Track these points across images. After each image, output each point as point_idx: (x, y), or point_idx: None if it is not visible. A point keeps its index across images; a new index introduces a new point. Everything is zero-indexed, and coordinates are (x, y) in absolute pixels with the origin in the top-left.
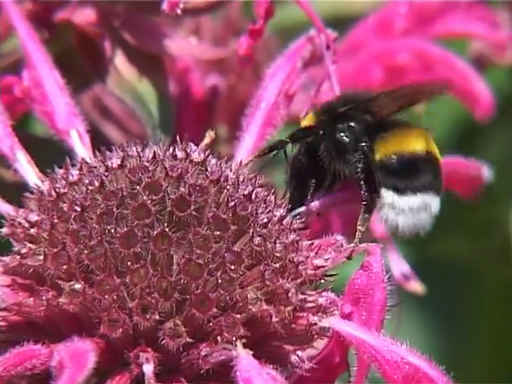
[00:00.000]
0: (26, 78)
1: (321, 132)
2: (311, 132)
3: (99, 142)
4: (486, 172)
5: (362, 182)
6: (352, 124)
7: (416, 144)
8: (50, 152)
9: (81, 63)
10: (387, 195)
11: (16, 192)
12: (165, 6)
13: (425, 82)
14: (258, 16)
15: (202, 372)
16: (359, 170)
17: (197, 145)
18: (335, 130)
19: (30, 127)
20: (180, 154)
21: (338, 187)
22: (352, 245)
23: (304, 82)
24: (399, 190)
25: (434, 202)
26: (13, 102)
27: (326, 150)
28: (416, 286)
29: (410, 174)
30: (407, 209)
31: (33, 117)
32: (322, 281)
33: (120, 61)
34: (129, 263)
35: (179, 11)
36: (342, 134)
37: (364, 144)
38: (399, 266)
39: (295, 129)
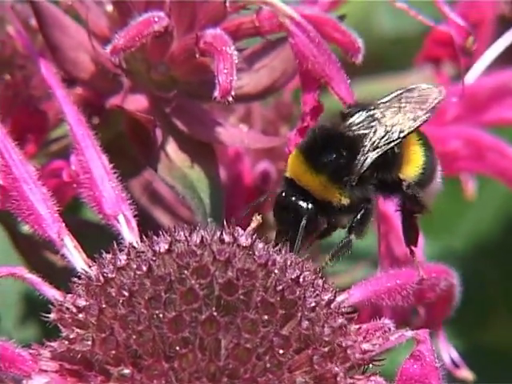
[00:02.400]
0: (74, 162)
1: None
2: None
3: (148, 228)
4: None
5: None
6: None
7: None
8: (97, 236)
9: (131, 149)
10: None
11: (64, 277)
12: (216, 94)
13: None
14: (304, 113)
15: None
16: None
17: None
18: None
19: (79, 212)
20: (227, 238)
21: None
22: (400, 331)
23: None
24: None
25: None
26: (61, 186)
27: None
28: (466, 374)
29: None
30: None
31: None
32: (370, 365)
33: (171, 147)
34: (177, 348)
35: (230, 98)
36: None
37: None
38: (448, 352)
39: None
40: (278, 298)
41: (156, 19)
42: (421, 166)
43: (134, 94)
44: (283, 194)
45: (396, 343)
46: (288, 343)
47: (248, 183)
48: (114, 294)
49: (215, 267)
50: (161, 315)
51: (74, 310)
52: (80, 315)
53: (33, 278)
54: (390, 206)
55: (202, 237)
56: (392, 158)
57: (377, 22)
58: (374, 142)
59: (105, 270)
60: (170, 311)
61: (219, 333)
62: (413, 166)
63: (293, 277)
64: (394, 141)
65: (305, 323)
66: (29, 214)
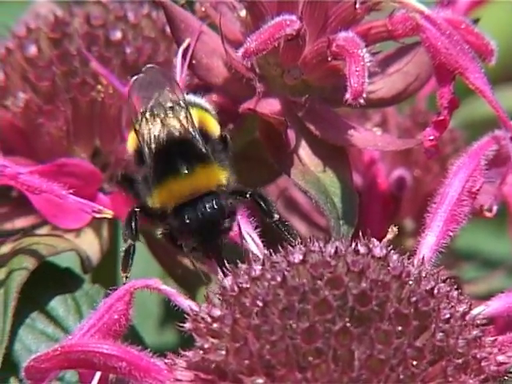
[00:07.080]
0: None
1: None
2: None
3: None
4: None
5: None
6: None
7: None
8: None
9: (266, 155)
10: None
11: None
12: (348, 96)
13: None
14: (441, 107)
15: None
16: None
17: (381, 238)
18: None
19: None
20: (362, 250)
21: None
22: None
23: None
24: None
25: None
26: None
27: None
28: None
29: None
30: None
31: None
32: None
33: (304, 152)
34: (310, 358)
35: (362, 101)
36: None
37: None
38: None
39: None
40: (412, 310)
41: (288, 22)
42: None
43: (267, 99)
44: (188, 218)
45: None
46: (421, 355)
47: (383, 189)
48: (248, 304)
49: (349, 278)
50: (294, 325)
51: (209, 319)
52: (214, 325)
53: (167, 289)
54: None
55: (337, 247)
56: None
57: None
58: None
59: (240, 280)
60: (304, 322)
61: (352, 343)
62: None
63: (427, 288)
64: None
65: (439, 335)
66: None
